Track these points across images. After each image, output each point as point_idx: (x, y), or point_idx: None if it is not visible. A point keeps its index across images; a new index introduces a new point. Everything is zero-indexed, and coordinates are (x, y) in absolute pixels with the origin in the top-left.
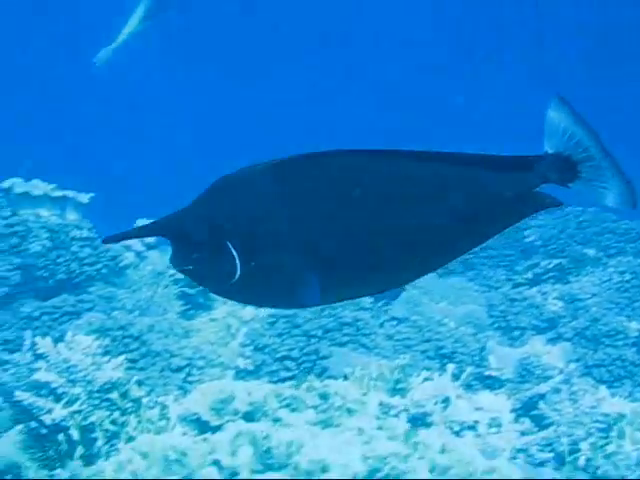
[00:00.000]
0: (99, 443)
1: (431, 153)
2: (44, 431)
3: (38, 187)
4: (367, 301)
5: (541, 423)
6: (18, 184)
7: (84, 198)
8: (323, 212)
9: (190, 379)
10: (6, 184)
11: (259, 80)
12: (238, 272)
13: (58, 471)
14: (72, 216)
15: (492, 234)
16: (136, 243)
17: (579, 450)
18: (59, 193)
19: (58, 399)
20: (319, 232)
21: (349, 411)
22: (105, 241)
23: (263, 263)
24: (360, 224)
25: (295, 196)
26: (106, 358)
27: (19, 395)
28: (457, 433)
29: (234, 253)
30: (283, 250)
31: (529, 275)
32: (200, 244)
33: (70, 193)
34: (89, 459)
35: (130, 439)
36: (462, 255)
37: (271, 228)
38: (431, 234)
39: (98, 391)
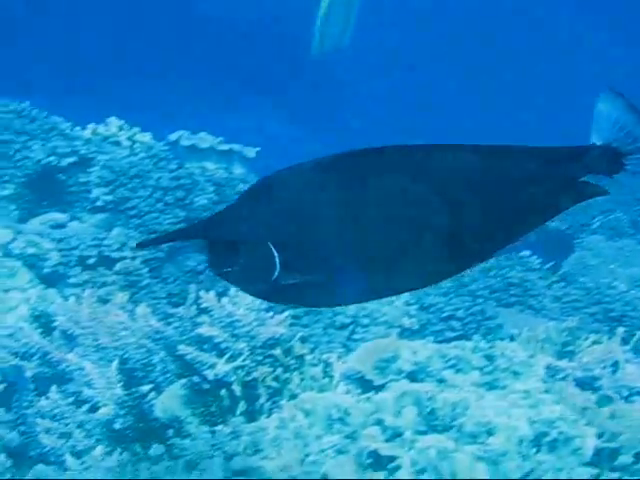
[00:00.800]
0: (262, 400)
1: (478, 146)
2: (206, 386)
3: (205, 140)
4: (535, 262)
5: None
6: (185, 137)
7: (251, 152)
8: (364, 210)
9: (354, 337)
10: (173, 136)
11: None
12: (277, 272)
13: (220, 427)
14: (238, 170)
15: (538, 224)
16: None
17: None
18: (225, 147)
19: (221, 354)
20: (360, 229)
21: (515, 373)
22: (140, 245)
23: (303, 263)
24: (400, 220)
25: (335, 194)
26: (270, 314)
27: (182, 349)
28: (626, 398)
29: (275, 253)
30: (324, 249)
31: None
32: (239, 246)
33: (236, 147)
34: (251, 415)
35: (293, 396)
36: (505, 247)
37: (311, 228)
38: (478, 225)
39: (261, 347)
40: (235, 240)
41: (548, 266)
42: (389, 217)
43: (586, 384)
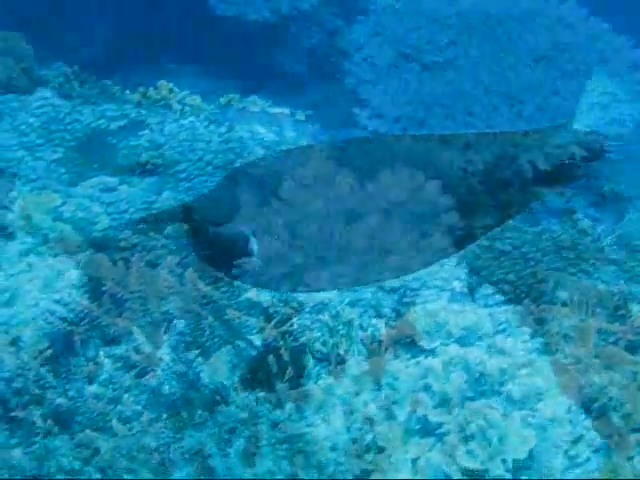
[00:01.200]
0: (309, 365)
1: (458, 135)
2: (254, 352)
3: (255, 104)
4: (588, 225)
5: None
6: (236, 100)
7: (301, 116)
8: (360, 197)
9: (404, 301)
10: (223, 100)
11: None
12: (258, 259)
13: (262, 394)
14: (289, 134)
15: (522, 209)
16: None
17: None
18: (277, 110)
19: (269, 319)
20: (354, 217)
21: (566, 337)
22: (138, 222)
23: (289, 249)
24: (402, 208)
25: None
26: None
27: (230, 314)
28: None
29: (252, 239)
30: (314, 238)
31: None
32: (220, 230)
33: (287, 111)
34: (298, 381)
35: (340, 361)
36: (490, 235)
37: (300, 214)
38: (471, 211)
39: (309, 312)
40: (216, 224)
41: (601, 229)
42: (389, 205)
43: (638, 348)
